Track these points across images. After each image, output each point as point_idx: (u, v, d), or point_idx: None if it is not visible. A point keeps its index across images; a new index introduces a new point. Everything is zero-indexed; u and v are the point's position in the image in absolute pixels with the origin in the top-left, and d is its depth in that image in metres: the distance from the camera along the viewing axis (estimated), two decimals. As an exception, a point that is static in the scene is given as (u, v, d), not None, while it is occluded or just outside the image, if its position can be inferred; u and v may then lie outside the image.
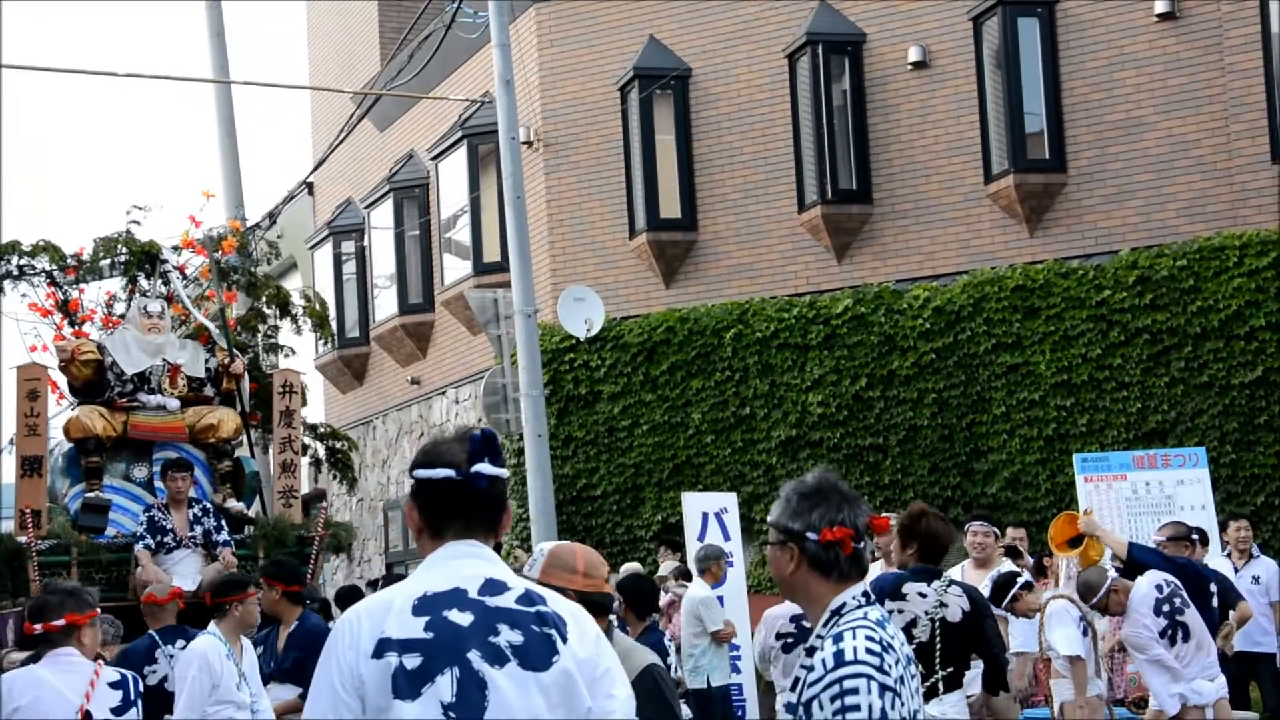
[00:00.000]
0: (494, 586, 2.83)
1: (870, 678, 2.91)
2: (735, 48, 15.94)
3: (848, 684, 2.91)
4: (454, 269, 18.29)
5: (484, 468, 2.88)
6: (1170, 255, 13.52)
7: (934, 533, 6.62)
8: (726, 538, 12.46)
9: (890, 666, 2.94)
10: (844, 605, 3.06)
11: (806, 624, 7.64)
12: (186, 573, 9.21)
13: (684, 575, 11.32)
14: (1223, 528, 10.41)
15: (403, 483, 19.85)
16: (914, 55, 15.11)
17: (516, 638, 2.78)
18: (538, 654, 2.78)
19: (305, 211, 22.25)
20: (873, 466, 14.62)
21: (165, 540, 9.19)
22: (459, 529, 2.88)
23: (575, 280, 15.86)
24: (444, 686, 2.72)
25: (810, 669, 3.01)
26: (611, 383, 15.64)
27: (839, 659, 2.95)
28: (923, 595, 6.53)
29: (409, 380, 19.45)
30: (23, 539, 8.87)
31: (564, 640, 2.80)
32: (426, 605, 2.78)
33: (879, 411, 14.61)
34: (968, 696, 6.72)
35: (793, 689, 3.07)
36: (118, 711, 5.55)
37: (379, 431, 20.43)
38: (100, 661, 6.50)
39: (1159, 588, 7.32)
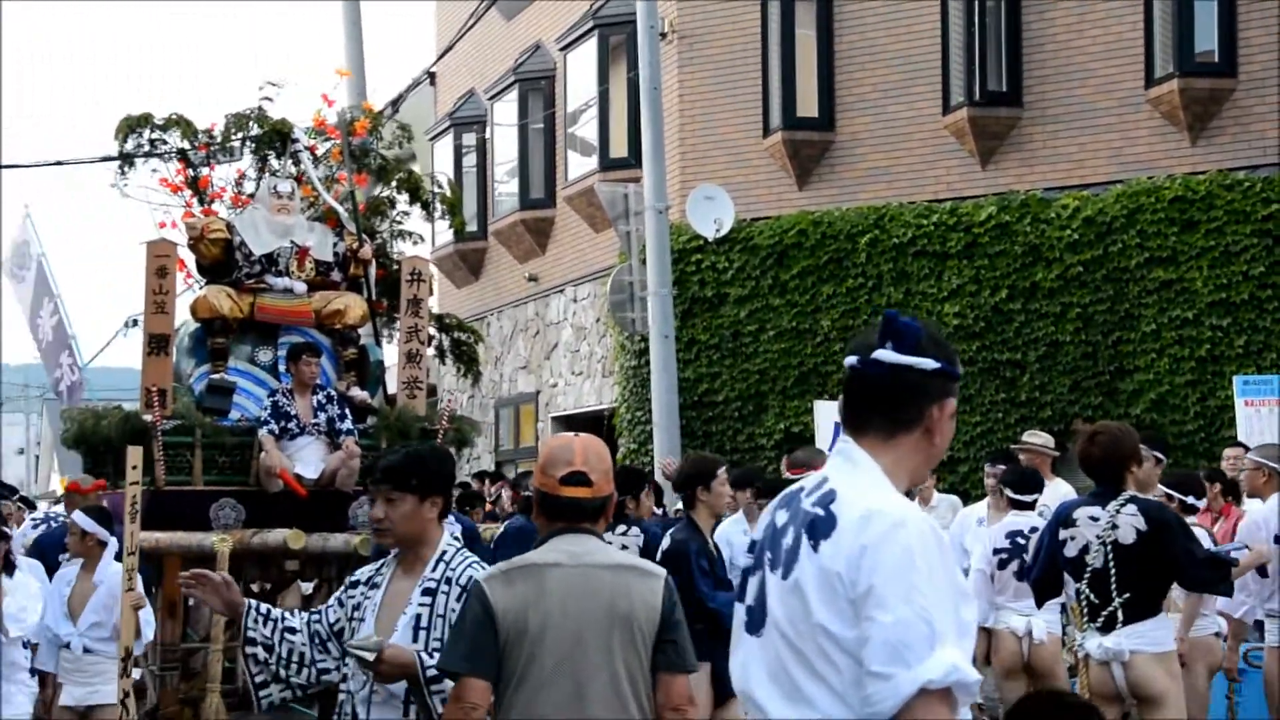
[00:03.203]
0: (815, 487, 2.56)
1: None
2: (884, -61, 15.16)
3: None
4: (578, 165, 17.84)
5: (884, 354, 2.55)
6: (1347, 169, 12.67)
7: (1096, 454, 6.14)
8: (859, 449, 12.02)
9: None
10: None
11: (1020, 540, 7.44)
12: (310, 459, 8.98)
13: None
14: None
15: (516, 380, 19.59)
16: (1075, -51, 14.25)
17: (788, 540, 2.52)
18: (790, 558, 2.51)
19: (427, 102, 21.88)
20: (1009, 383, 14.02)
21: (289, 426, 8.94)
22: (848, 423, 2.63)
23: (705, 179, 15.35)
24: (749, 590, 2.63)
25: None
26: (739, 285, 15.15)
27: None
28: (1094, 519, 6.07)
29: (527, 277, 19.11)
30: (148, 418, 8.65)
31: (814, 548, 2.47)
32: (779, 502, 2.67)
33: (1019, 325, 13.98)
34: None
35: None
36: None
37: (494, 328, 20.17)
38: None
39: None
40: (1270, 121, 13.43)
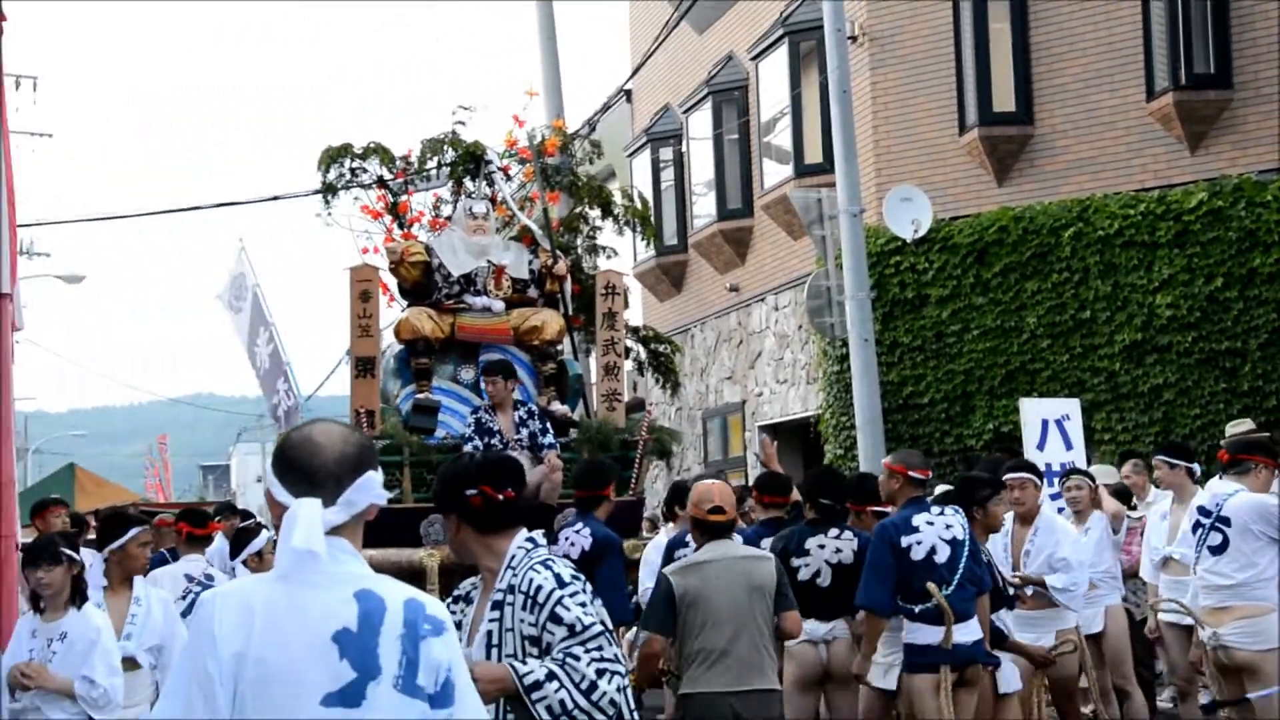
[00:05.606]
0: None
1: None
2: (1077, -76, 14.78)
3: None
4: (773, 173, 17.82)
5: None
6: None
7: None
8: (1069, 447, 11.69)
9: None
10: None
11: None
12: (514, 474, 9.14)
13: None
14: None
15: (721, 390, 19.65)
16: (1282, -80, 13.66)
17: None
18: None
19: (623, 119, 22.14)
20: (1229, 373, 13.48)
21: (492, 442, 9.12)
22: None
23: (901, 180, 15.16)
24: None
25: None
26: (940, 286, 14.91)
27: None
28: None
29: (728, 287, 19.16)
30: (358, 438, 8.93)
31: None
32: None
33: (1237, 314, 13.43)
34: None
35: None
36: None
37: (697, 339, 20.27)
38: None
39: None
40: None
